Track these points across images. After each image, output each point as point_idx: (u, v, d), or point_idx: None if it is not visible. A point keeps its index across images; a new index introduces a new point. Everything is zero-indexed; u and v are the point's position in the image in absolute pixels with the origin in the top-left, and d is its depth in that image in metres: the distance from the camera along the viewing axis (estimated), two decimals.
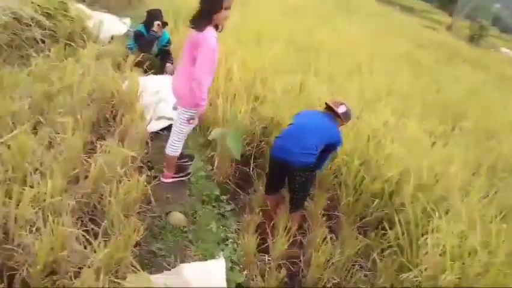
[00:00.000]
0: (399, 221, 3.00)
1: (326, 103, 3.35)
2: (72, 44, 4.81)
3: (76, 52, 4.50)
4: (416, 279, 2.43)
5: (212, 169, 3.68)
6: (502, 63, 13.80)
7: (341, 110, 3.24)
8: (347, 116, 3.30)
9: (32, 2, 4.75)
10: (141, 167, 3.19)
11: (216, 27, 2.90)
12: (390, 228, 3.09)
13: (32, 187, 2.33)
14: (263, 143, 4.04)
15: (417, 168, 3.47)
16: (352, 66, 6.37)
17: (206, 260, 2.57)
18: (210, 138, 3.46)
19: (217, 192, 3.35)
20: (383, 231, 3.17)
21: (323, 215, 3.33)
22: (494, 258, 2.41)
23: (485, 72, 10.12)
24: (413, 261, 2.69)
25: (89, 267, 2.09)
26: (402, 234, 2.94)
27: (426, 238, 2.65)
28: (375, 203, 3.37)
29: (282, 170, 3.14)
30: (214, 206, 3.24)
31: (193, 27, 2.90)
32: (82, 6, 6.52)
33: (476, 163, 4.02)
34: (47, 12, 4.89)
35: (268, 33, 6.60)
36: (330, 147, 3.19)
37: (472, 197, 3.19)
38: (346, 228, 3.18)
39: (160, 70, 5.10)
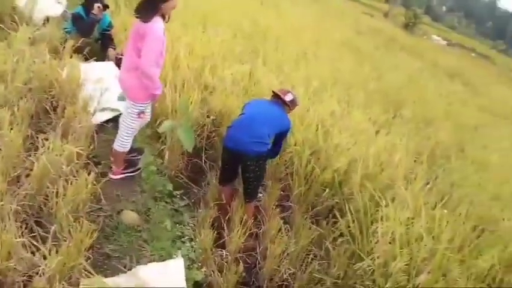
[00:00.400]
0: (349, 209, 3.12)
1: (273, 91, 3.44)
2: (1, 26, 4.39)
3: (7, 36, 4.11)
4: (369, 267, 2.55)
5: (163, 163, 3.57)
6: (435, 51, 14.68)
7: (288, 98, 3.35)
8: (293, 103, 3.42)
9: None
10: (87, 163, 3.02)
11: (163, 17, 2.79)
12: (341, 217, 3.20)
13: None
14: (214, 134, 4.00)
15: (364, 158, 3.61)
16: (298, 53, 6.45)
17: (163, 259, 2.51)
18: (160, 131, 3.35)
19: (169, 188, 3.26)
20: (334, 220, 3.28)
21: (277, 206, 3.37)
22: (438, 244, 2.59)
23: (421, 60, 10.71)
24: (364, 249, 2.82)
25: (40, 275, 1.97)
26: (353, 222, 3.06)
27: (376, 227, 2.77)
28: (326, 192, 3.49)
29: (235, 160, 3.15)
30: (167, 202, 3.16)
31: (138, 17, 2.76)
32: None
33: (417, 151, 4.27)
34: None
35: (213, 18, 6.46)
36: (281, 135, 3.28)
37: (415, 184, 3.39)
38: (299, 218, 3.26)
39: (101, 56, 4.81)
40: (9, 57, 3.53)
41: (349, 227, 3.06)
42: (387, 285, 2.41)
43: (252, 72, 4.81)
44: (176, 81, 4.16)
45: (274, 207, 3.33)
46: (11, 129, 2.76)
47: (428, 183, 3.53)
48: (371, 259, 2.59)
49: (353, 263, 2.79)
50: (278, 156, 3.55)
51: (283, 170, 3.78)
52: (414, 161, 4.03)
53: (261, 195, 3.48)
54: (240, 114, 3.32)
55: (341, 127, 4.13)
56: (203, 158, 3.75)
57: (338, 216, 3.21)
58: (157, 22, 2.72)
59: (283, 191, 3.63)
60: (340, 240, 3.02)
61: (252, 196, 3.21)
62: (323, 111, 4.37)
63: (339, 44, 8.65)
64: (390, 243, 2.62)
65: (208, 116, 3.95)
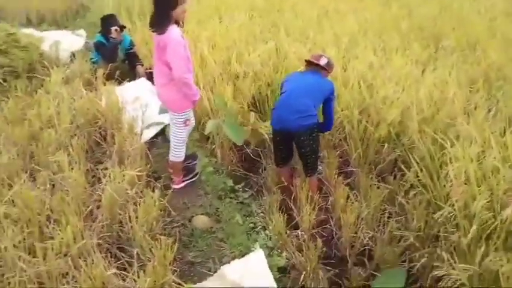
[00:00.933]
0: (414, 159, 3.00)
1: (306, 60, 3.33)
2: (35, 75, 4.61)
3: (42, 83, 4.32)
4: (451, 214, 2.44)
5: (217, 161, 3.62)
6: None
7: (322, 61, 3.23)
8: (330, 65, 3.31)
9: None
10: (149, 181, 3.13)
11: (177, 23, 2.77)
12: (407, 169, 3.08)
13: (52, 238, 2.27)
14: (258, 119, 3.97)
15: (416, 102, 3.44)
16: (319, 15, 6.22)
17: (243, 254, 2.56)
18: (206, 132, 3.38)
19: (230, 184, 3.31)
20: (402, 173, 3.16)
21: (339, 174, 3.32)
22: None
23: None
24: (439, 196, 2.70)
25: None
26: (421, 171, 2.93)
27: (447, 170, 2.64)
28: (385, 147, 3.36)
29: (286, 139, 3.13)
30: (232, 198, 3.21)
31: (154, 31, 2.76)
32: (31, 30, 6.26)
33: (470, 79, 4.00)
34: None
35: (226, 6, 6.38)
36: (328, 100, 3.19)
37: (477, 115, 3.18)
38: (364, 180, 3.17)
39: (132, 75, 4.94)
40: (50, 102, 3.70)
41: (418, 176, 2.94)
42: (472, 228, 2.29)
43: (278, 48, 4.70)
44: (207, 79, 4.17)
45: (336, 176, 3.27)
46: (72, 168, 2.91)
47: (490, 111, 3.29)
48: (449, 205, 2.47)
49: (432, 212, 2.68)
50: (332, 125, 3.41)
51: (337, 136, 3.70)
52: (470, 91, 3.77)
53: (320, 167, 3.43)
54: (281, 93, 3.27)
55: (384, 77, 3.94)
56: (252, 145, 3.74)
57: (404, 168, 3.09)
58: (173, 30, 2.71)
59: (341, 158, 3.56)
60: (412, 192, 2.90)
61: (313, 170, 3.16)
62: (361, 66, 4.19)
63: None
64: (465, 183, 2.48)
65: (248, 105, 3.93)
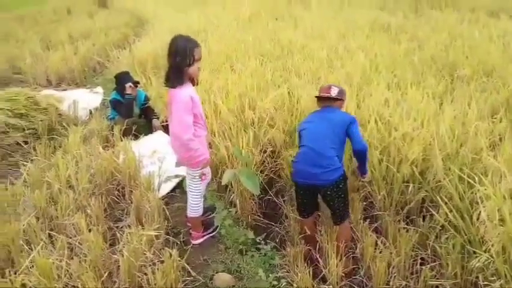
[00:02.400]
0: (441, 198, 2.86)
1: (317, 96, 3.20)
2: (55, 135, 4.70)
3: (61, 143, 4.39)
4: (489, 261, 2.27)
5: (237, 211, 3.53)
6: None
7: (333, 92, 3.10)
8: (342, 93, 3.18)
9: (1, 109, 4.65)
10: (167, 239, 3.05)
11: (191, 80, 2.78)
12: (436, 210, 2.93)
13: None
14: (276, 164, 3.91)
15: (437, 138, 3.33)
16: (329, 54, 6.25)
17: None
18: (223, 183, 3.32)
19: (251, 236, 3.19)
20: (430, 213, 3.01)
21: (364, 218, 3.18)
22: None
23: (455, 10, 10.01)
24: (474, 238, 2.54)
25: None
26: (450, 211, 2.78)
27: (479, 211, 2.48)
28: (410, 188, 3.22)
29: (311, 192, 2.96)
30: (254, 251, 3.08)
31: (167, 86, 2.78)
32: (50, 91, 6.46)
33: (491, 108, 3.88)
34: (20, 113, 4.80)
35: (236, 53, 6.49)
36: (350, 132, 2.94)
37: (503, 147, 3.04)
38: (392, 224, 3.02)
39: (148, 129, 4.98)
40: (69, 162, 3.72)
41: (447, 217, 2.78)
42: None
43: (291, 91, 4.70)
44: (222, 128, 4.16)
45: (361, 220, 3.14)
46: (90, 230, 2.87)
47: None
48: (485, 250, 2.31)
49: (466, 256, 2.51)
50: (367, 151, 3.00)
51: (358, 178, 3.58)
52: (492, 121, 3.64)
53: (350, 213, 3.23)
54: (299, 139, 3.16)
55: (401, 113, 3.86)
56: (271, 193, 3.65)
57: (432, 210, 2.94)
58: (185, 87, 2.71)
59: (365, 201, 3.42)
60: (444, 236, 2.74)
61: (343, 217, 2.95)
62: (376, 103, 4.13)
63: (367, 28, 8.31)
64: (501, 225, 2.32)
65: (264, 151, 3.89)
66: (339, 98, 3.12)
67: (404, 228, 2.96)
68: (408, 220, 3.13)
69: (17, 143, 4.47)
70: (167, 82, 2.77)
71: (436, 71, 5.25)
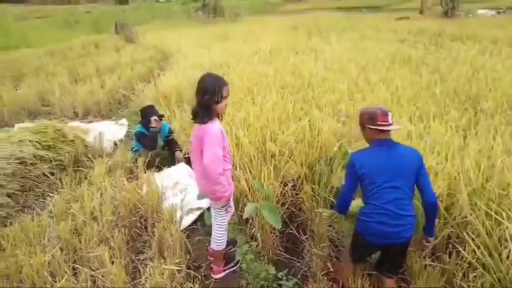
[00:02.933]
0: (468, 235, 2.78)
1: (377, 129, 2.56)
2: (81, 167, 4.82)
3: (86, 175, 4.49)
4: None
5: (258, 245, 3.50)
6: (485, 27, 13.69)
7: (391, 118, 2.59)
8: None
9: (30, 141, 4.82)
10: (188, 273, 3.04)
11: (218, 116, 2.84)
12: (462, 246, 2.85)
13: None
14: (298, 197, 3.89)
15: (462, 172, 3.27)
16: (349, 87, 6.30)
17: None
18: (244, 216, 3.31)
19: (272, 271, 3.15)
20: (456, 250, 2.92)
21: None
22: None
23: (477, 41, 10.00)
24: (504, 277, 2.44)
25: None
26: (478, 248, 2.70)
27: (509, 249, 2.41)
28: (436, 223, 3.14)
29: (379, 249, 2.70)
30: (275, 287, 3.04)
31: (195, 122, 2.83)
32: (76, 123, 6.67)
33: None
34: (47, 145, 4.95)
35: (258, 86, 6.61)
36: (421, 178, 2.52)
37: None
38: (417, 261, 2.94)
39: (171, 160, 5.06)
40: (94, 194, 3.80)
41: (475, 254, 2.69)
42: None
43: (311, 124, 4.73)
44: (243, 160, 4.19)
45: None
46: (112, 262, 2.89)
47: None
48: None
49: None
50: (436, 203, 2.56)
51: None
52: None
53: None
54: (349, 181, 2.63)
55: (424, 147, 3.83)
56: (292, 226, 3.62)
57: (458, 246, 2.86)
58: (214, 123, 2.76)
59: None
60: (472, 274, 2.64)
61: (398, 272, 2.78)
62: (398, 136, 4.11)
63: (387, 61, 8.38)
64: None
65: (285, 184, 3.89)
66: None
67: (429, 265, 2.88)
68: (434, 257, 3.04)
69: (44, 174, 4.59)
70: (195, 118, 2.82)
71: (459, 104, 5.22)
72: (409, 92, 5.82)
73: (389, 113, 2.58)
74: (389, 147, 2.56)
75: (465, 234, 2.79)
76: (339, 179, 3.45)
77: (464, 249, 2.79)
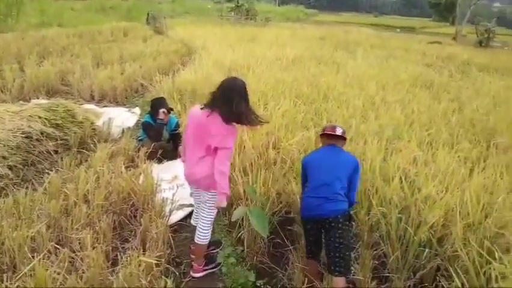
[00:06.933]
0: (456, 270, 2.68)
1: (321, 134, 3.27)
2: (85, 149, 4.86)
3: (87, 157, 4.52)
4: None
5: (243, 250, 3.46)
6: None
7: (339, 131, 3.19)
8: (345, 133, 3.27)
9: (40, 117, 4.88)
10: (167, 268, 3.01)
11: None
12: (448, 280, 2.75)
13: None
14: (290, 207, 3.83)
15: (461, 205, 3.17)
16: (365, 104, 6.21)
17: None
18: (232, 219, 3.25)
19: (252, 279, 3.09)
20: (443, 284, 2.82)
21: (372, 277, 3.01)
22: None
23: (505, 76, 9.75)
24: None
25: None
26: (463, 285, 2.60)
27: None
28: (425, 253, 3.05)
29: (317, 228, 2.95)
30: None
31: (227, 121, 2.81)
32: (91, 106, 6.76)
33: None
34: (56, 124, 5.01)
35: (272, 91, 6.57)
36: (352, 177, 3.03)
37: None
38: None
39: (174, 155, 5.06)
40: (90, 177, 3.82)
41: None
42: None
43: (318, 136, 4.66)
44: (243, 164, 4.16)
45: (369, 280, 2.97)
46: (94, 247, 2.89)
47: None
48: None
49: None
50: (354, 205, 3.19)
51: (374, 235, 3.43)
52: None
53: (352, 268, 3.12)
54: (303, 176, 3.20)
55: (428, 174, 3.73)
56: (282, 235, 3.56)
57: (445, 279, 2.76)
58: (235, 126, 2.84)
59: (377, 260, 3.26)
60: None
61: (342, 268, 2.77)
62: (404, 160, 4.02)
63: (409, 83, 8.24)
64: None
65: (281, 193, 3.83)
66: (344, 137, 3.23)
67: None
68: (420, 286, 2.95)
69: (48, 151, 4.64)
70: (223, 114, 2.79)
71: (473, 135, 5.08)
72: (424, 116, 5.69)
73: (337, 127, 3.22)
74: (328, 150, 3.16)
75: (453, 269, 2.69)
76: None
77: (449, 284, 2.68)
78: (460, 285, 2.55)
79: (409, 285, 2.94)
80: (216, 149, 2.82)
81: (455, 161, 4.09)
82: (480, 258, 2.67)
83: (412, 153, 4.24)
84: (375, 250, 3.30)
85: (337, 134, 3.15)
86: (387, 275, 3.11)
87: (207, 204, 3.01)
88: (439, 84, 8.20)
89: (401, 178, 3.65)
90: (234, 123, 2.84)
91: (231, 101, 2.75)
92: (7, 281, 2.47)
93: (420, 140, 4.78)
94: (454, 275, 2.61)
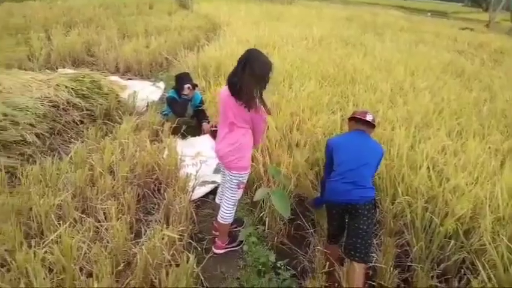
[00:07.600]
0: (483, 264, 2.61)
1: (350, 118, 3.22)
2: (110, 121, 4.90)
3: (112, 129, 4.55)
4: None
5: (264, 230, 3.45)
6: None
7: (369, 117, 3.09)
8: (374, 121, 3.16)
9: (66, 87, 4.92)
10: (190, 243, 3.03)
11: None
12: (474, 274, 2.69)
13: None
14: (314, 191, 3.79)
15: (491, 197, 3.08)
16: (393, 89, 6.05)
17: None
18: (254, 199, 3.25)
19: (272, 259, 3.08)
20: (467, 276, 2.76)
21: (395, 266, 2.97)
22: None
23: None
24: None
25: None
26: (489, 280, 2.54)
27: None
28: (451, 244, 2.98)
29: (342, 213, 2.92)
30: (272, 275, 2.98)
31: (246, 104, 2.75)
32: (115, 78, 6.77)
33: None
34: (82, 94, 5.05)
35: (299, 73, 6.45)
36: (377, 166, 3.03)
37: None
38: (424, 279, 2.80)
39: (197, 131, 5.06)
40: (115, 149, 3.85)
41: (485, 286, 2.53)
42: None
43: (344, 119, 4.57)
44: (266, 144, 4.12)
45: (391, 268, 2.93)
46: (118, 218, 2.92)
47: None
48: None
49: None
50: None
51: (398, 223, 3.37)
52: None
53: (375, 256, 3.08)
54: (327, 159, 3.12)
55: (457, 164, 3.63)
56: (303, 218, 3.54)
57: (470, 273, 2.70)
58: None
59: (400, 248, 3.21)
60: None
61: (364, 254, 2.74)
62: (432, 149, 3.91)
63: (439, 69, 7.99)
64: None
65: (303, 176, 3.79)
66: (373, 124, 3.14)
67: (436, 286, 2.74)
68: (442, 278, 2.89)
69: (74, 121, 4.69)
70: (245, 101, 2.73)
71: (504, 127, 4.90)
72: (454, 105, 5.52)
73: (368, 113, 3.11)
74: (357, 136, 3.07)
75: (480, 263, 2.62)
76: None
77: (475, 278, 2.63)
78: (486, 279, 2.48)
79: (432, 276, 2.88)
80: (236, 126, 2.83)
81: (485, 152, 3.96)
82: (509, 254, 2.59)
83: (441, 142, 4.13)
84: (399, 239, 3.25)
85: (367, 119, 3.06)
86: (410, 264, 3.06)
87: (230, 186, 3.00)
88: (470, 72, 7.92)
89: (428, 167, 3.57)
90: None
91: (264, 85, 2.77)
92: (35, 247, 2.52)
93: (449, 128, 4.64)
94: (480, 268, 2.54)
